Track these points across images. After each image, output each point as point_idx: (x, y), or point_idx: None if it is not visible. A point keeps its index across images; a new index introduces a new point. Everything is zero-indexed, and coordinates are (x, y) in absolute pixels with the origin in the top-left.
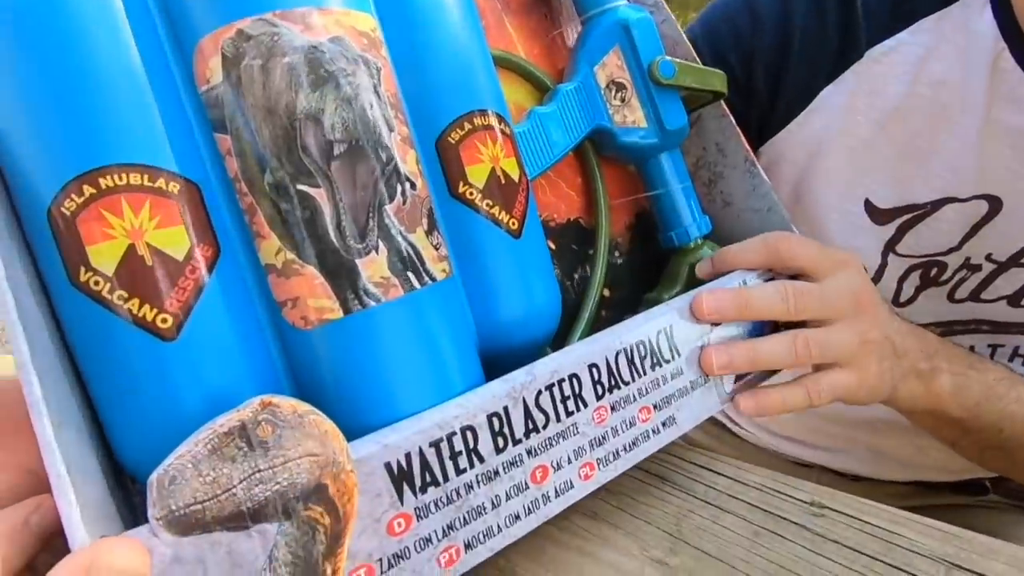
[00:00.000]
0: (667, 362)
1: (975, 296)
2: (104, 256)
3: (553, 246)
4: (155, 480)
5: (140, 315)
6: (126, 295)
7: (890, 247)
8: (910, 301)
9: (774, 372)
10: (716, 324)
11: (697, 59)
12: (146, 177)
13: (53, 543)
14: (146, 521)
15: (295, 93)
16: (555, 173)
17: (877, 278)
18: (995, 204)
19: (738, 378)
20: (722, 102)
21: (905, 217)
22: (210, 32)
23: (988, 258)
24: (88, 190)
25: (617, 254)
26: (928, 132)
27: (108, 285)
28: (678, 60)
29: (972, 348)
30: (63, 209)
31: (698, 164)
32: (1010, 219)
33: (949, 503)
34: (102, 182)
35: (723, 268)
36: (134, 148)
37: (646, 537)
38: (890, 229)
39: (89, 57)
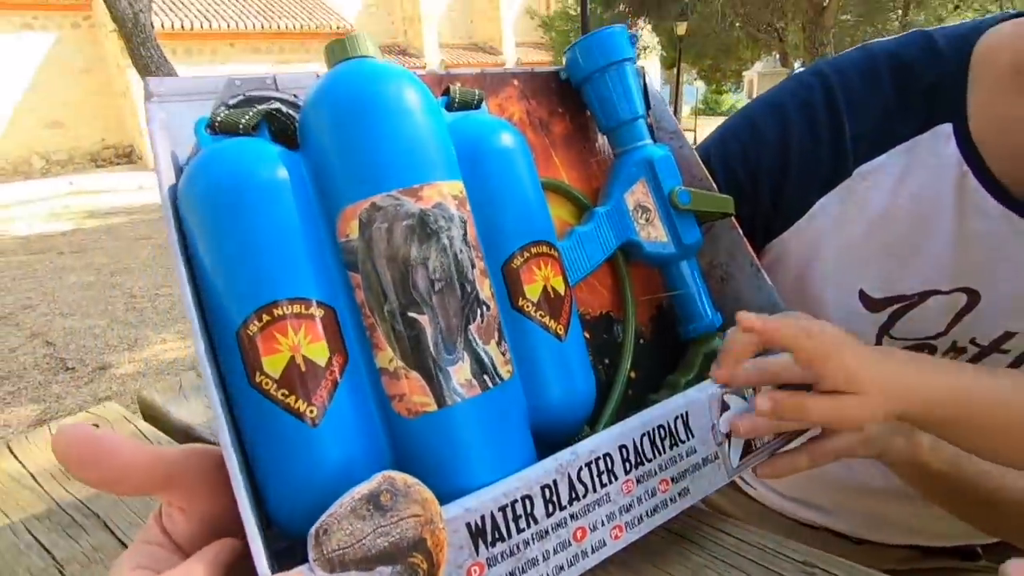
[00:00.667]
0: (683, 442)
1: None
2: (273, 364)
3: (588, 335)
4: (313, 531)
5: (296, 407)
6: (287, 392)
7: (884, 331)
8: None
9: (779, 447)
10: (726, 409)
11: (710, 178)
12: (303, 307)
13: None
14: (297, 562)
15: (409, 246)
16: (591, 275)
17: None
18: (973, 296)
19: (744, 454)
20: (733, 215)
21: (895, 306)
22: (352, 203)
23: (972, 342)
24: (266, 317)
25: (642, 341)
26: (909, 236)
27: (274, 385)
28: (693, 190)
29: None
30: (248, 330)
31: (712, 265)
32: (988, 309)
33: (944, 567)
34: (275, 311)
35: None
36: (296, 286)
37: None
38: (883, 316)
39: (267, 224)
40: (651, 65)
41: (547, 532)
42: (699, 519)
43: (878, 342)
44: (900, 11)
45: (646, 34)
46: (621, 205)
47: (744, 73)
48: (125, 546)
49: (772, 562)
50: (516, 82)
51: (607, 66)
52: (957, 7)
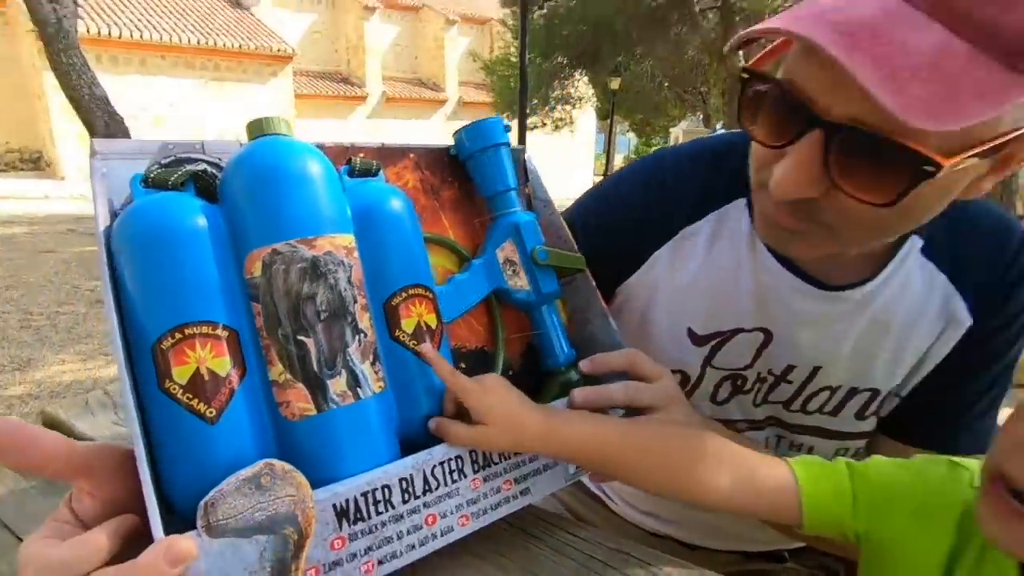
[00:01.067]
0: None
1: (765, 400)
2: (181, 374)
3: (464, 365)
4: (203, 504)
5: (197, 408)
6: (191, 396)
7: (707, 362)
8: (725, 401)
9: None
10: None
11: (572, 239)
12: (210, 328)
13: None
14: (192, 529)
15: (302, 284)
16: (470, 315)
17: (698, 384)
18: (768, 335)
19: (579, 467)
20: (587, 271)
21: (714, 341)
22: (257, 248)
23: (769, 372)
24: (178, 335)
25: (511, 371)
26: (721, 284)
27: (181, 390)
28: (551, 249)
29: (767, 439)
30: (162, 345)
31: (574, 311)
32: (777, 346)
33: (761, 568)
34: (187, 331)
35: (596, 369)
36: (206, 312)
37: (508, 566)
38: (706, 349)
39: (185, 262)
40: (587, 115)
41: (402, 516)
42: (551, 522)
43: (703, 372)
44: None
45: (582, 85)
46: (493, 259)
47: (671, 129)
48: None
49: (612, 556)
50: (412, 155)
51: (485, 148)
52: None
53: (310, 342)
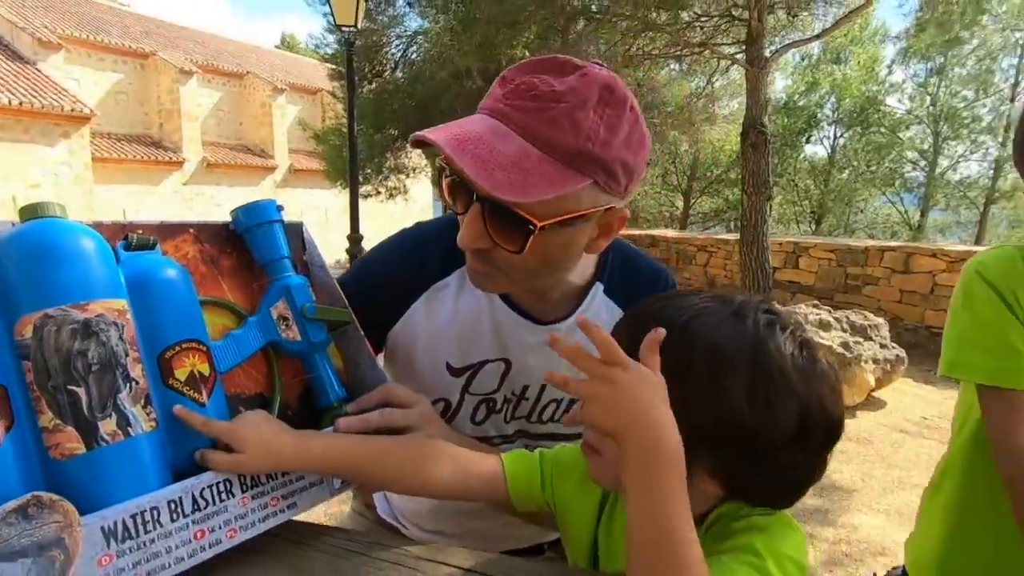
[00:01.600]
0: (293, 471)
1: (513, 417)
2: None
3: (243, 408)
4: None
5: None
6: None
7: (465, 389)
8: (482, 421)
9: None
10: None
11: (343, 297)
12: None
13: None
14: None
15: (73, 342)
16: (249, 365)
17: (459, 408)
18: (508, 363)
19: (344, 482)
20: (356, 323)
21: (468, 372)
22: (27, 314)
23: (512, 393)
24: None
25: (289, 411)
26: (469, 325)
27: None
28: (320, 305)
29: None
30: None
31: (347, 358)
32: (515, 372)
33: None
34: None
35: (361, 407)
36: None
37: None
38: (463, 379)
39: None
40: (422, 184)
41: (171, 533)
42: (320, 531)
43: (462, 398)
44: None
45: (416, 156)
46: (267, 316)
47: None
48: None
49: (369, 548)
50: (191, 230)
51: (260, 224)
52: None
53: (81, 391)
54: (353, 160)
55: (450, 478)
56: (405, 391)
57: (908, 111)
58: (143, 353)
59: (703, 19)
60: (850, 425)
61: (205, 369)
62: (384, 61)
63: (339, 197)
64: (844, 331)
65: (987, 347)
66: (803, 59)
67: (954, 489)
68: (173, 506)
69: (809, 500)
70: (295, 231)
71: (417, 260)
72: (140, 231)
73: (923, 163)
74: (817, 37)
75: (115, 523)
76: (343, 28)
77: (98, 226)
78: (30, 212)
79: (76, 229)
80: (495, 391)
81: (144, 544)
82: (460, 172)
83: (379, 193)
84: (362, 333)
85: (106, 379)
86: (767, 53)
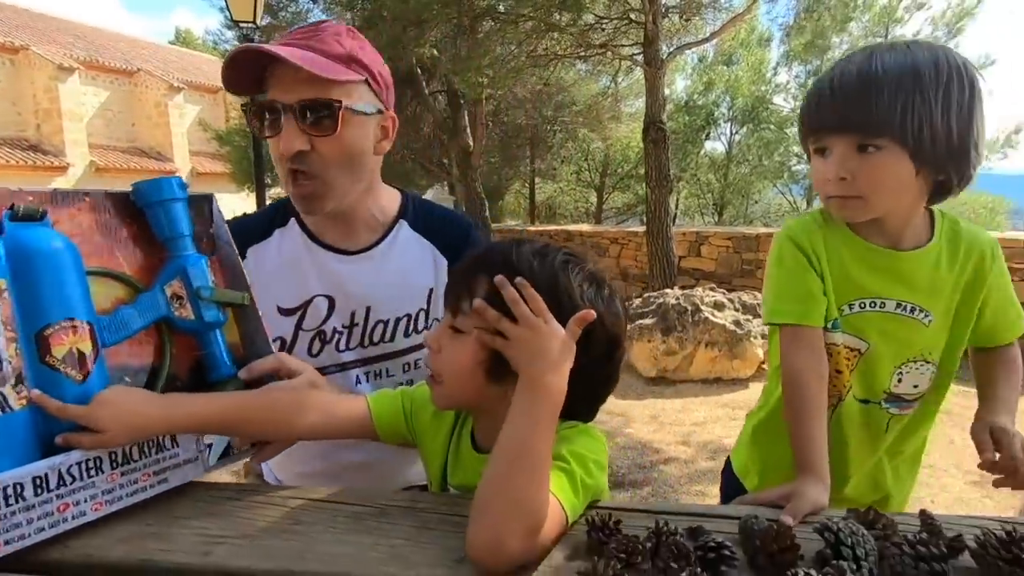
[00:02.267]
0: (168, 449)
1: (347, 347)
2: None
3: (128, 379)
4: None
5: None
6: None
7: (298, 326)
8: (318, 353)
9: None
10: None
11: (244, 275)
12: None
13: None
14: None
15: None
16: (142, 337)
17: (293, 344)
18: (331, 297)
19: (223, 456)
20: (254, 303)
21: (300, 311)
22: None
23: (342, 325)
24: None
25: (179, 383)
26: (294, 268)
27: None
28: (215, 288)
29: (356, 377)
30: None
31: (244, 334)
32: (340, 301)
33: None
34: None
35: (252, 374)
36: None
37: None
38: (295, 317)
39: None
40: None
41: (34, 506)
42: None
43: (296, 334)
44: (528, 159)
45: None
46: (157, 294)
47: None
48: None
49: (240, 492)
50: (87, 199)
51: (159, 202)
52: (564, 160)
53: None
54: (259, 162)
55: (318, 421)
56: (294, 360)
57: (792, 109)
58: (20, 330)
59: (604, 21)
60: (742, 394)
61: (86, 347)
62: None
63: (247, 201)
64: (736, 310)
65: (795, 296)
66: (700, 61)
67: (759, 410)
68: (38, 482)
69: (703, 462)
70: (203, 203)
71: (248, 227)
72: (30, 198)
73: (806, 156)
74: (707, 40)
75: None
76: (241, 24)
77: None
78: None
79: None
80: (324, 322)
81: (4, 516)
82: (267, 98)
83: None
84: (259, 313)
85: None
86: (663, 55)
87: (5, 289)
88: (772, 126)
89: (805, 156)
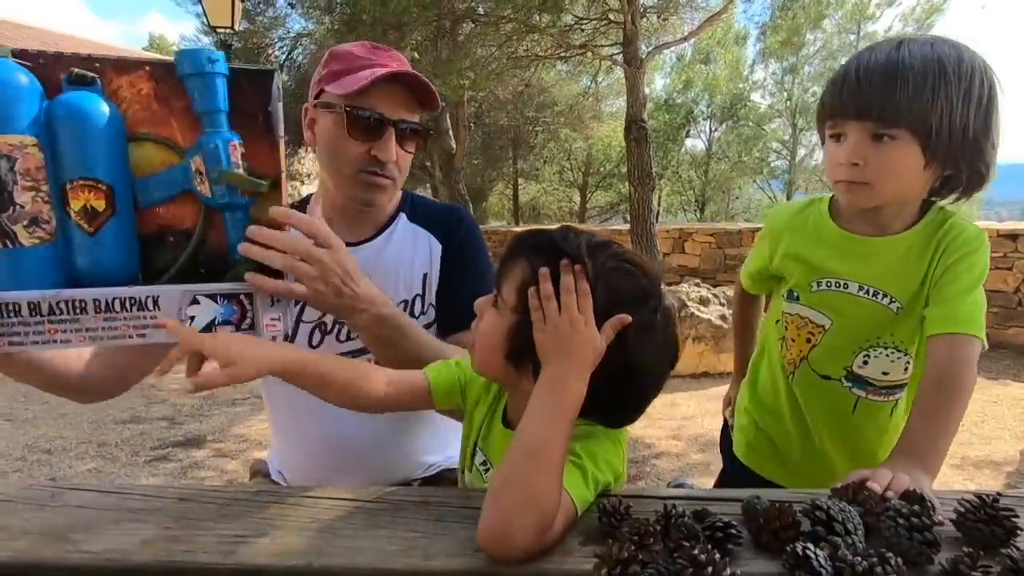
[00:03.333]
0: (148, 310)
1: (348, 338)
2: None
3: (172, 239)
4: None
5: None
6: None
7: (299, 319)
8: (318, 345)
9: None
10: (196, 303)
11: (280, 160)
12: None
13: None
14: None
15: None
16: (181, 203)
17: (294, 337)
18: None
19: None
20: (281, 191)
21: (300, 304)
22: None
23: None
24: None
25: (212, 257)
26: None
27: None
28: (228, 171)
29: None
30: None
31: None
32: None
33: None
34: None
35: (278, 216)
36: None
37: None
38: (295, 310)
39: None
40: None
41: (29, 323)
42: (217, 490)
43: (296, 327)
44: (511, 160)
45: (309, 162)
46: (187, 166)
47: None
48: None
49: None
50: (147, 67)
51: (192, 74)
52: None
53: None
54: None
55: (385, 391)
56: (328, 232)
57: (770, 106)
58: (52, 181)
59: (583, 22)
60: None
61: (100, 205)
62: (268, 64)
63: None
64: (721, 305)
65: (749, 271)
66: (678, 59)
67: (756, 357)
68: (32, 306)
69: (695, 455)
70: (262, 79)
71: None
72: (97, 66)
73: (785, 152)
74: (685, 39)
75: None
76: (218, 30)
77: (54, 56)
78: None
79: (2, 66)
80: (324, 314)
81: (6, 324)
82: (375, 109)
83: None
84: (286, 202)
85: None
86: (642, 54)
87: (32, 144)
88: (751, 123)
89: (786, 153)
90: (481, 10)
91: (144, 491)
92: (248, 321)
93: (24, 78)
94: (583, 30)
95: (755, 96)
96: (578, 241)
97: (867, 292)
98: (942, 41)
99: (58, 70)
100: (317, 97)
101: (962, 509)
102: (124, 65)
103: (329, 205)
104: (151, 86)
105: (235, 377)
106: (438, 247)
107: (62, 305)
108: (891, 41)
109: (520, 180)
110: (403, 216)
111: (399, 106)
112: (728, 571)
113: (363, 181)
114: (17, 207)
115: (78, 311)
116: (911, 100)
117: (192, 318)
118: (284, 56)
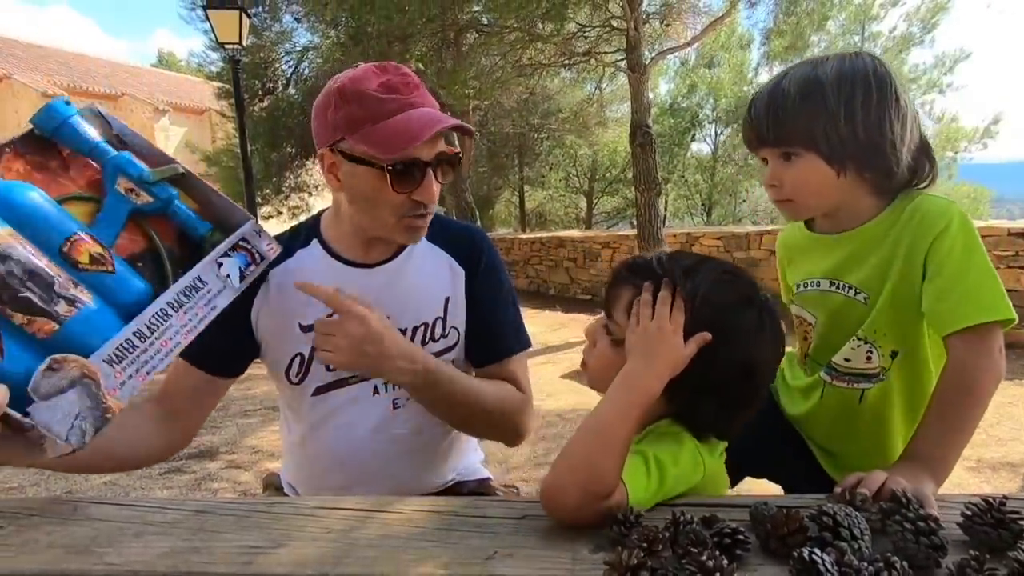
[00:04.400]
0: (204, 286)
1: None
2: None
3: (141, 264)
4: (28, 389)
5: None
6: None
7: (313, 351)
8: (335, 367)
9: None
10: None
11: (164, 152)
12: None
13: None
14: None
15: None
16: (128, 233)
17: (311, 360)
18: None
19: (242, 278)
20: (188, 171)
21: (311, 331)
22: None
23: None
24: None
25: (176, 253)
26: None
27: None
28: (152, 169)
29: (374, 385)
30: None
31: (198, 199)
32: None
33: None
34: None
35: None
36: None
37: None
38: (312, 335)
39: None
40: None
41: (146, 348)
42: (234, 502)
43: (311, 356)
44: (517, 168)
45: (317, 173)
46: (115, 194)
47: None
48: None
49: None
50: (8, 149)
51: (58, 126)
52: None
53: (28, 294)
54: (248, 181)
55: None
56: (341, 303)
57: None
58: (49, 255)
59: (586, 29)
60: None
61: (97, 249)
62: (275, 78)
63: None
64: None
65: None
66: (682, 64)
67: None
68: (138, 334)
69: None
70: (93, 115)
71: None
72: None
73: None
74: (689, 44)
75: (111, 355)
76: (226, 45)
77: None
78: None
79: None
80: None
81: (135, 359)
82: (414, 157)
83: (280, 213)
84: (198, 178)
85: (38, 279)
86: (646, 60)
87: (13, 233)
88: None
89: None
90: (485, 20)
91: (163, 504)
92: (258, 255)
93: None
94: (586, 37)
95: None
96: (673, 262)
97: (836, 286)
98: (825, 60)
99: None
100: (336, 143)
101: (969, 512)
102: None
103: (346, 228)
104: (22, 162)
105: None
106: (460, 271)
107: (153, 322)
108: (781, 72)
109: (526, 187)
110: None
111: (433, 143)
112: None
113: (406, 226)
114: (56, 279)
115: (165, 319)
116: (794, 122)
117: (228, 276)
118: (291, 70)
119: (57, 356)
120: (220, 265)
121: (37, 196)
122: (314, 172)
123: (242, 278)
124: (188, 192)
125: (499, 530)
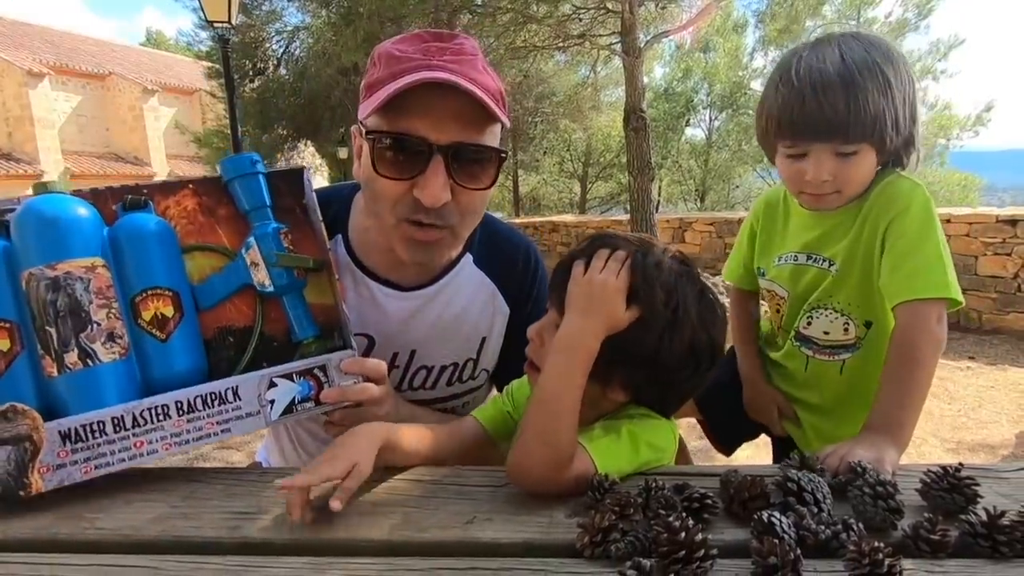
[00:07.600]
0: (230, 402)
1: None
2: None
3: (232, 339)
4: None
5: None
6: None
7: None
8: None
9: None
10: (274, 386)
11: (326, 242)
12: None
13: None
14: None
15: (46, 294)
16: (239, 301)
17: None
18: (370, 338)
19: (284, 413)
20: (331, 269)
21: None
22: (24, 270)
23: (394, 358)
24: None
25: (275, 344)
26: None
27: None
28: (280, 254)
29: None
30: None
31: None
32: (381, 344)
33: None
34: None
35: (350, 369)
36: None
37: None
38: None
39: None
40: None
41: (114, 440)
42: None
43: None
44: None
45: (309, 155)
46: (240, 262)
47: None
48: None
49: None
50: (191, 185)
51: (238, 177)
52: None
53: (52, 330)
54: None
55: (451, 447)
56: (377, 365)
57: None
58: (120, 297)
59: (581, 11)
60: None
61: (169, 311)
62: (266, 58)
63: None
64: (722, 293)
65: (734, 258)
66: (677, 48)
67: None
68: (116, 421)
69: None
70: (293, 177)
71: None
72: (144, 192)
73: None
74: (684, 27)
75: (70, 429)
76: (216, 24)
77: (107, 190)
78: (40, 189)
79: (65, 201)
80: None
81: (92, 446)
82: (409, 131)
83: None
84: (335, 278)
85: (71, 322)
86: (640, 43)
87: (101, 265)
88: (751, 111)
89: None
90: (478, 1)
91: (154, 473)
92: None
93: (84, 210)
94: (581, 20)
95: (755, 84)
96: (628, 243)
97: (809, 258)
98: (867, 42)
99: (110, 200)
100: (364, 118)
101: (927, 480)
102: (168, 187)
103: (372, 241)
104: (195, 201)
105: (360, 475)
106: (504, 311)
107: (145, 415)
108: (830, 44)
109: (520, 171)
110: (468, 259)
111: (450, 122)
112: (700, 536)
113: (402, 236)
114: (94, 325)
115: (161, 417)
116: (868, 117)
117: (272, 402)
118: (281, 50)
119: (18, 405)
120: (272, 385)
121: (154, 239)
122: (305, 154)
123: (287, 412)
124: (318, 288)
125: (479, 496)
